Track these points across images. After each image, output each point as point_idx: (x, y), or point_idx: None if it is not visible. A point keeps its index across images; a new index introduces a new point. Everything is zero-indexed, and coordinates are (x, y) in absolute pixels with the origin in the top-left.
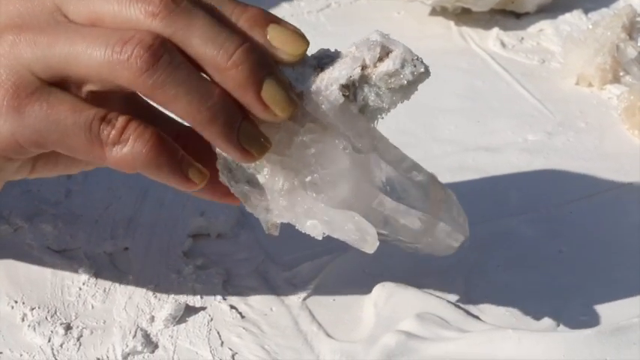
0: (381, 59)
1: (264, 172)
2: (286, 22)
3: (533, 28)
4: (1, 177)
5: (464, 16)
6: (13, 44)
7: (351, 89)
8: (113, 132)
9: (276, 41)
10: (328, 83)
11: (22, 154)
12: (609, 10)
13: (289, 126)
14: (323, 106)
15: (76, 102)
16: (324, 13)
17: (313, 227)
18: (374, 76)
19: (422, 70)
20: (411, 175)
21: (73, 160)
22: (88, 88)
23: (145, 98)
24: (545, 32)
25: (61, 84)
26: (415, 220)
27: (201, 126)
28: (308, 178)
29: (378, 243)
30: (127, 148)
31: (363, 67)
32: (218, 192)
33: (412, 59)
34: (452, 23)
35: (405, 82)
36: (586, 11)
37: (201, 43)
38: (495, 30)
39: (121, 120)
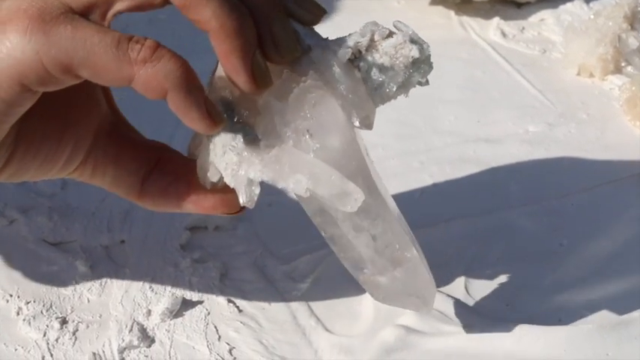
0: (389, 36)
1: (257, 121)
2: None
3: (534, 18)
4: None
5: (464, 5)
6: None
7: (357, 58)
8: (144, 49)
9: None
10: (336, 43)
11: (43, 82)
12: None
13: (291, 76)
14: (329, 59)
15: (101, 27)
16: (325, 3)
17: (298, 182)
18: (380, 48)
19: (428, 53)
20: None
21: (55, 152)
22: (116, 8)
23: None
24: (546, 22)
25: (86, 12)
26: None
27: (225, 35)
28: (302, 125)
29: (361, 200)
30: (159, 65)
31: (372, 39)
32: (202, 205)
33: (421, 41)
34: (452, 13)
35: (410, 58)
36: (587, 1)
37: None
38: (496, 20)
39: (150, 41)
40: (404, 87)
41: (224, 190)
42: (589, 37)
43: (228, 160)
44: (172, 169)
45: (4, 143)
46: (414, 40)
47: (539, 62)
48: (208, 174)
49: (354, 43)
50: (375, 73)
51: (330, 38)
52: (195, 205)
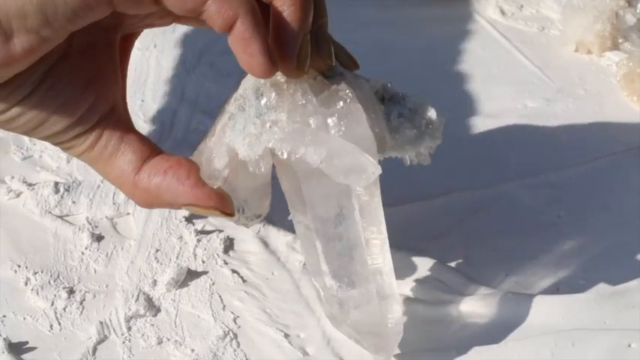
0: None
1: (285, 107)
2: None
3: None
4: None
5: None
6: None
7: (383, 99)
8: None
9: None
10: (366, 79)
11: (103, 3)
12: None
13: (324, 82)
14: (361, 83)
15: None
16: None
17: (317, 153)
18: (404, 100)
19: (443, 120)
20: None
21: (74, 102)
22: None
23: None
24: (544, 0)
25: None
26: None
27: (295, 5)
28: (328, 119)
29: (377, 174)
30: None
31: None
32: (198, 199)
33: (439, 110)
34: None
35: (428, 118)
36: None
37: None
38: None
39: None
40: (413, 143)
41: (220, 191)
42: (587, 14)
43: (249, 132)
44: (173, 158)
45: (37, 71)
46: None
47: (537, 39)
48: (215, 159)
49: (381, 85)
50: (394, 117)
51: None
52: (191, 192)
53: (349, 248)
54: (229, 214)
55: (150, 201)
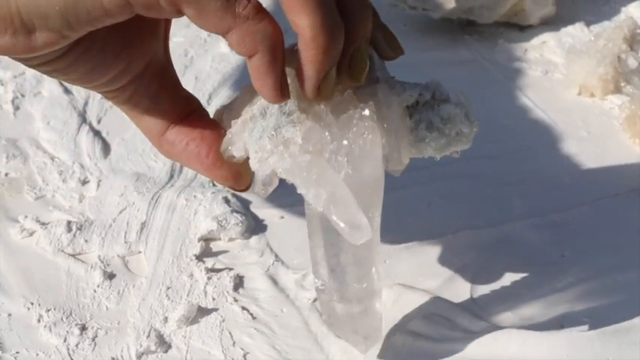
0: (447, 100)
1: (304, 124)
2: None
3: (536, 40)
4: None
5: (469, 28)
6: None
7: (413, 107)
8: (249, 7)
9: (387, 35)
10: (401, 86)
11: (148, 7)
12: (610, 22)
13: (352, 98)
14: (391, 99)
15: None
16: None
17: (318, 196)
18: (437, 108)
19: (475, 131)
20: None
21: (108, 64)
22: None
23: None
24: (548, 44)
25: None
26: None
27: (313, 46)
28: (343, 146)
29: (366, 239)
30: (259, 26)
31: (433, 97)
32: (215, 172)
33: (473, 119)
34: (457, 35)
35: (459, 130)
36: (588, 24)
37: None
38: (500, 42)
39: (255, 0)
40: (439, 150)
41: (239, 165)
42: (590, 58)
43: (262, 145)
44: (200, 128)
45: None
46: (468, 117)
47: (541, 83)
48: (233, 147)
49: (418, 94)
50: (422, 128)
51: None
52: (208, 171)
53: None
54: (243, 190)
55: (172, 160)
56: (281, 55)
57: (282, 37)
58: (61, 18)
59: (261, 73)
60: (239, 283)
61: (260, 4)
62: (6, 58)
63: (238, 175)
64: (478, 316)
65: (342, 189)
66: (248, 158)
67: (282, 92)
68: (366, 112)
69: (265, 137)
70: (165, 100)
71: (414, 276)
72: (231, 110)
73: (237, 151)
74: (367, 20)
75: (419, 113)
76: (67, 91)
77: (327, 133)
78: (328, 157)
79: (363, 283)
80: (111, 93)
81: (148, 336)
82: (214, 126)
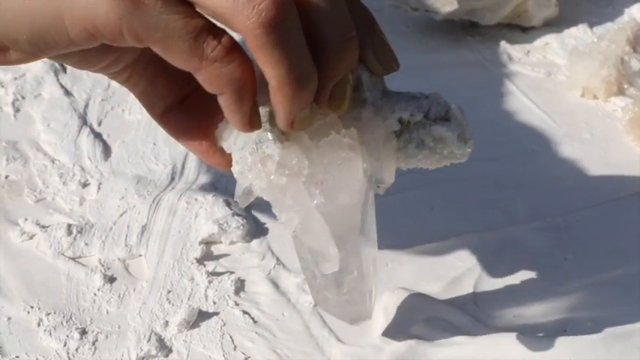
0: (443, 119)
1: (284, 145)
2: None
3: (539, 42)
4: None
5: (471, 29)
6: None
7: (404, 125)
8: (219, 49)
9: (379, 50)
10: (391, 108)
11: (114, 40)
12: (614, 24)
13: (334, 122)
14: (376, 124)
15: (190, 9)
16: None
17: (290, 221)
18: (429, 128)
19: (469, 151)
20: None
21: (100, 56)
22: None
23: None
24: (551, 46)
25: None
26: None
27: (279, 94)
28: (319, 175)
29: (336, 268)
30: (226, 69)
31: (426, 116)
32: (211, 157)
33: (469, 137)
34: (459, 37)
35: (451, 152)
36: (591, 25)
37: (323, 21)
38: (502, 43)
39: (227, 39)
40: (432, 165)
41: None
42: (592, 60)
43: (244, 156)
44: (199, 111)
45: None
46: (463, 136)
47: (544, 84)
48: (222, 143)
49: (409, 115)
50: (412, 147)
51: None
52: (205, 155)
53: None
54: None
55: (175, 139)
56: (249, 94)
57: (251, 75)
58: (29, 44)
59: (229, 111)
60: (240, 286)
61: (232, 42)
62: None
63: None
64: (480, 320)
65: (315, 217)
66: None
67: (250, 125)
68: (346, 140)
69: (247, 149)
70: (162, 84)
71: (417, 280)
72: None
73: (226, 148)
74: (348, 57)
75: (409, 132)
76: (67, 93)
77: (304, 158)
78: (304, 181)
79: (353, 272)
80: (108, 75)
81: (149, 340)
82: (213, 110)
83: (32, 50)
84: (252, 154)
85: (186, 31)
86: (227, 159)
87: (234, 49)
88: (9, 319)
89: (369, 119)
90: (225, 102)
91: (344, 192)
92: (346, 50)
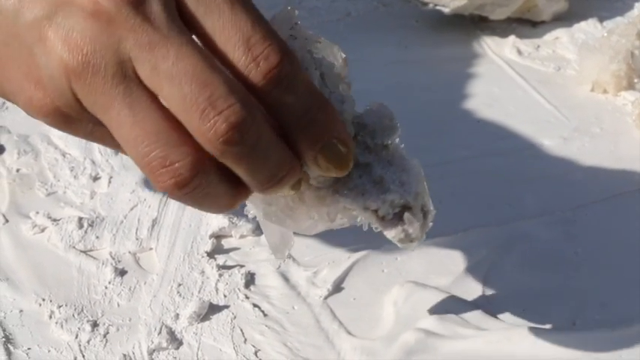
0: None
1: None
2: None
3: (549, 36)
4: None
5: (481, 24)
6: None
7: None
8: (171, 184)
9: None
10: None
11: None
12: (624, 18)
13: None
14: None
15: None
16: (344, 21)
17: (252, 211)
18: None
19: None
20: None
21: None
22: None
23: None
24: (560, 40)
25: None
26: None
27: (263, 191)
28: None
29: (284, 259)
30: (179, 193)
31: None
32: None
33: (414, 239)
34: (469, 31)
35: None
36: (601, 19)
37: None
38: (512, 38)
39: (186, 174)
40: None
41: None
42: (602, 55)
43: None
44: None
45: None
46: (408, 239)
47: (554, 79)
48: None
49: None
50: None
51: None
52: None
53: None
54: None
55: None
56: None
57: (198, 191)
58: None
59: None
60: (250, 280)
61: (192, 172)
62: None
63: None
64: (490, 313)
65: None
66: None
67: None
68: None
69: None
70: None
71: (426, 274)
72: None
73: None
74: (318, 131)
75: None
76: None
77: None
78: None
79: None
80: None
81: (160, 332)
82: None
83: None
84: None
85: (134, 158)
86: None
87: (188, 185)
88: (21, 311)
89: (312, 203)
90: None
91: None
92: (315, 125)
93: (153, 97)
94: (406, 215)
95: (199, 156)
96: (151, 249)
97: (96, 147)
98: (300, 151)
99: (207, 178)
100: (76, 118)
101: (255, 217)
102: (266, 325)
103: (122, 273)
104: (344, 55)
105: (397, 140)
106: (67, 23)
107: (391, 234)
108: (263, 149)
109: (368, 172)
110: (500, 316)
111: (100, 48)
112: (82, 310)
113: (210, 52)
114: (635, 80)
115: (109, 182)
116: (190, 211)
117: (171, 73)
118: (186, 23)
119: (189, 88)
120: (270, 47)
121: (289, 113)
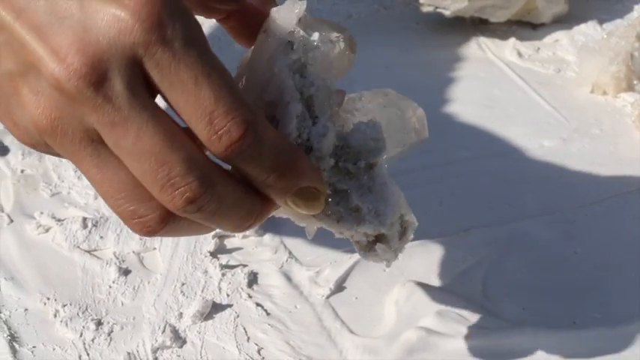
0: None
1: None
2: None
3: (549, 39)
4: None
5: (481, 26)
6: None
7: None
8: (144, 230)
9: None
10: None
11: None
12: (623, 20)
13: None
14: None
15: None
16: (346, 24)
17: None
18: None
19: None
20: None
21: None
22: None
23: None
24: (560, 42)
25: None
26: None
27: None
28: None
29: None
30: (153, 237)
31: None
32: None
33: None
34: (470, 34)
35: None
36: (600, 22)
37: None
38: (512, 40)
39: (155, 226)
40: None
41: None
42: (602, 56)
43: None
44: (235, 30)
45: None
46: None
47: (553, 81)
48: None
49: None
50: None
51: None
52: None
53: None
54: None
55: None
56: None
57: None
58: None
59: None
60: (253, 279)
61: (161, 224)
62: None
63: None
64: (491, 312)
65: None
66: None
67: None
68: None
69: None
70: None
71: (427, 273)
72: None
73: None
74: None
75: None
76: None
77: None
78: None
79: None
80: None
81: (163, 331)
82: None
83: None
84: None
85: (112, 208)
86: None
87: (160, 231)
88: (26, 310)
89: (293, 218)
90: None
91: None
92: (283, 181)
93: (119, 159)
94: (378, 245)
95: (166, 209)
96: (154, 249)
97: None
98: (270, 197)
99: (178, 225)
100: (55, 153)
101: None
102: (269, 324)
103: (126, 272)
104: (352, 40)
105: (384, 158)
106: (37, 85)
107: (365, 257)
108: (228, 208)
109: (345, 199)
110: (500, 314)
111: (67, 116)
112: (87, 309)
113: (178, 119)
114: (635, 82)
115: None
116: None
117: (132, 151)
118: (153, 94)
119: (149, 166)
120: (233, 121)
121: (255, 176)
